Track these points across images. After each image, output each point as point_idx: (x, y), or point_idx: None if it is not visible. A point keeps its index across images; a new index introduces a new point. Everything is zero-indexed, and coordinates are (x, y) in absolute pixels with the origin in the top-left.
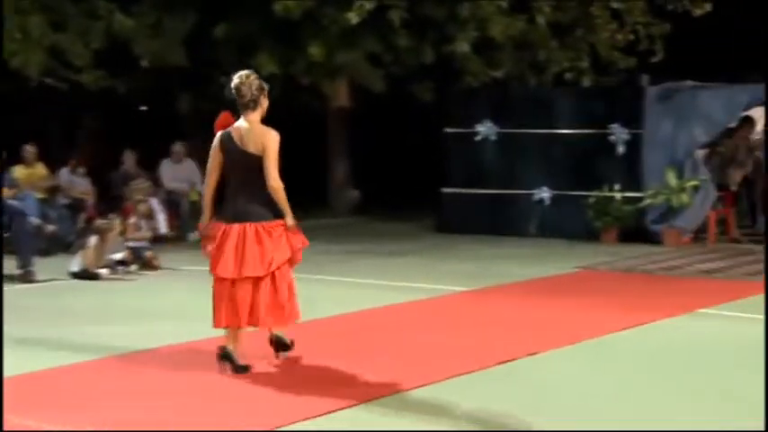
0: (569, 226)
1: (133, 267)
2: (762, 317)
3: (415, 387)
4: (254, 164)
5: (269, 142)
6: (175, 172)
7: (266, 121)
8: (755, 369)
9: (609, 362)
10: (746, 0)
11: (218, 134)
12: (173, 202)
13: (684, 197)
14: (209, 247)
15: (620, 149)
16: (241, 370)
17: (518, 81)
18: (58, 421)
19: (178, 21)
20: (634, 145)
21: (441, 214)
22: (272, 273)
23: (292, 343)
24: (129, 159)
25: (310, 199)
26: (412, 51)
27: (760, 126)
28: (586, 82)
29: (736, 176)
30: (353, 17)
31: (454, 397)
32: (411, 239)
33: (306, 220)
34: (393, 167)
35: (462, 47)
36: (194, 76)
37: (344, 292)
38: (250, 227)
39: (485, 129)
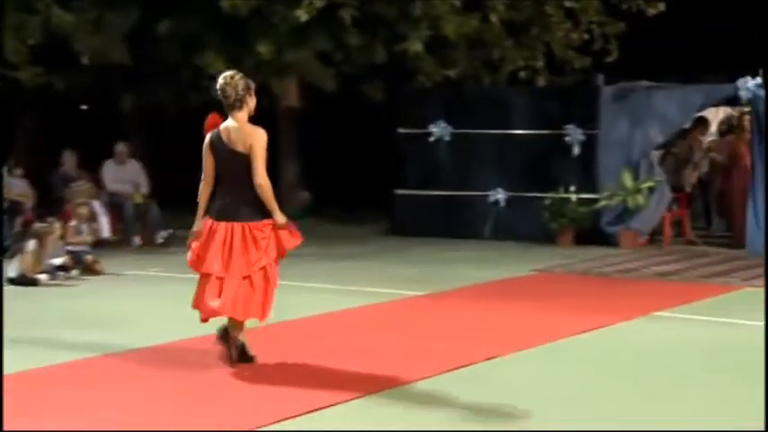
0: (525, 228)
1: (74, 272)
2: (717, 319)
3: (378, 390)
4: (243, 163)
5: (256, 141)
6: (118, 173)
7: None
8: (712, 371)
9: (567, 366)
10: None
11: (209, 135)
12: (116, 205)
13: (640, 198)
14: (194, 243)
15: (576, 150)
16: (245, 359)
17: (472, 80)
18: None
19: (120, 16)
20: (589, 146)
21: (394, 216)
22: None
23: (254, 357)
24: (69, 160)
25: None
26: (363, 50)
27: (714, 127)
28: (541, 82)
29: (690, 177)
30: (303, 14)
31: (416, 401)
32: (364, 242)
33: None
34: (345, 168)
35: (415, 46)
36: (137, 73)
37: (297, 297)
38: (237, 226)
39: (438, 129)
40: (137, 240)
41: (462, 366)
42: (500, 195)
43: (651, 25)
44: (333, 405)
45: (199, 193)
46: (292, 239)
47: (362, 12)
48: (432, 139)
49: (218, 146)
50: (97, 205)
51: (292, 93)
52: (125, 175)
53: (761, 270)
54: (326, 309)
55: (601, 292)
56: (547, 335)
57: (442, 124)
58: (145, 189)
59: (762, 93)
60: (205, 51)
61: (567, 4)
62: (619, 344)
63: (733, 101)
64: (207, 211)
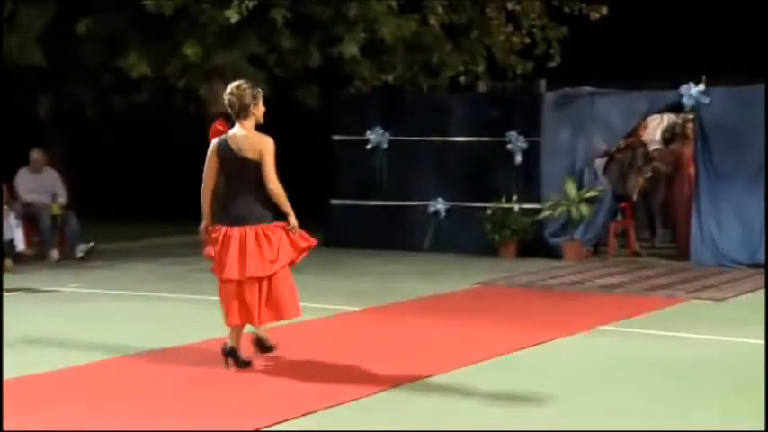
0: (466, 240)
1: None
2: (663, 333)
3: (320, 409)
4: (252, 169)
5: (265, 148)
6: (34, 183)
7: (139, 127)
8: (658, 387)
9: (510, 383)
10: (644, 4)
11: (214, 141)
12: (31, 217)
13: (584, 209)
14: (212, 251)
15: (518, 159)
16: (243, 365)
17: (410, 86)
18: None
19: (34, 15)
20: (532, 154)
21: (329, 228)
22: (274, 272)
23: (274, 345)
24: None
25: (183, 212)
26: (296, 53)
27: (658, 135)
28: (482, 87)
29: (635, 184)
30: (233, 15)
31: (357, 419)
32: None
33: (184, 235)
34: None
35: (350, 49)
36: (54, 76)
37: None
38: (251, 230)
39: (375, 136)
40: (54, 254)
41: (396, 386)
42: (440, 205)
43: (594, 30)
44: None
45: (201, 195)
46: (306, 240)
47: (295, 13)
48: (368, 146)
49: (226, 154)
50: (11, 217)
51: (221, 98)
52: (41, 184)
53: (706, 282)
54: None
55: (544, 305)
56: (487, 351)
57: (380, 131)
58: (63, 199)
59: (705, 100)
60: (128, 53)
61: (508, 6)
62: (561, 360)
63: (677, 108)
64: (219, 218)
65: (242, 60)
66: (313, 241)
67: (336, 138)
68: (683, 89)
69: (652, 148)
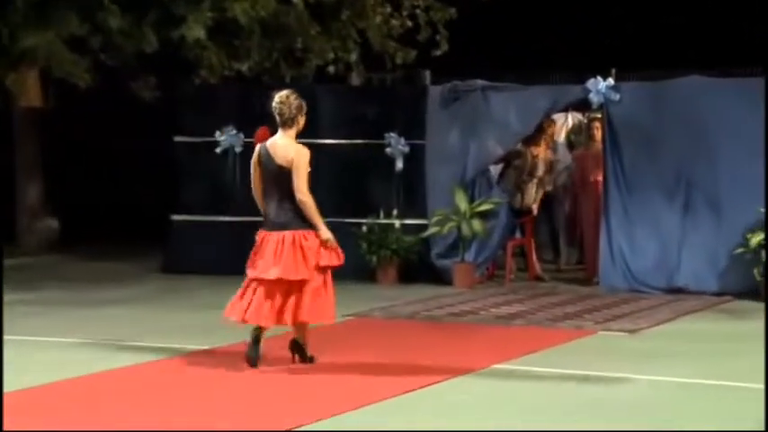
0: None
1: None
2: (569, 371)
3: None
4: (286, 177)
5: (297, 158)
6: None
7: None
8: None
9: None
10: None
11: (257, 147)
12: None
13: (477, 225)
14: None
15: (399, 165)
16: (254, 359)
17: (269, 76)
18: None
19: None
20: (415, 159)
21: (170, 249)
22: (305, 278)
23: (314, 357)
24: None
25: None
26: (127, 35)
27: (562, 136)
28: (355, 79)
29: (535, 195)
30: None
31: None
32: (131, 284)
33: None
34: (106, 189)
35: (195, 31)
36: None
37: (43, 356)
38: (288, 234)
39: (227, 138)
40: None
41: None
42: None
43: (487, 13)
44: None
45: (257, 203)
46: (332, 257)
47: None
48: (218, 149)
49: (265, 160)
50: None
51: (33, 89)
52: None
53: (617, 310)
54: (79, 371)
55: (429, 341)
56: (360, 397)
57: (232, 132)
58: None
59: (615, 96)
60: None
61: None
62: (450, 405)
63: (583, 105)
64: (262, 223)
65: (57, 43)
66: (340, 261)
67: (179, 139)
68: (590, 84)
69: (557, 153)
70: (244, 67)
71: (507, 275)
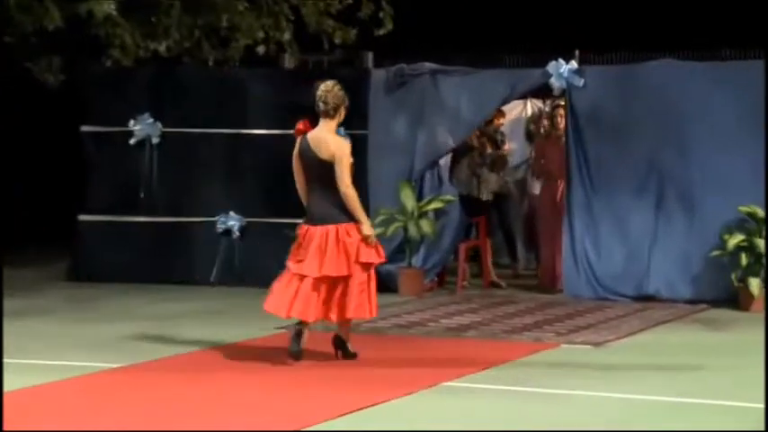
0: (268, 268)
1: None
2: (527, 389)
3: None
4: (327, 170)
5: (339, 150)
6: None
7: None
8: None
9: None
10: None
11: (298, 140)
12: None
13: (425, 225)
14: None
15: None
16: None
17: (190, 58)
18: None
19: None
20: (356, 152)
21: (78, 254)
22: (351, 273)
23: (357, 353)
24: None
25: None
26: (25, 9)
27: (521, 127)
28: (289, 61)
29: (488, 189)
30: None
31: None
32: (32, 293)
33: None
34: (2, 186)
35: (104, 6)
36: None
37: None
38: (332, 229)
39: (142, 127)
40: None
41: None
42: (232, 222)
43: None
44: None
45: (300, 196)
46: (372, 254)
47: None
48: (132, 141)
49: (306, 152)
50: None
51: None
52: None
53: (581, 320)
54: None
55: (373, 356)
56: (295, 420)
57: (148, 120)
58: None
59: (579, 81)
60: None
61: None
62: (395, 428)
63: (543, 91)
64: (304, 217)
65: None
66: (376, 260)
67: (86, 129)
68: (551, 67)
69: (512, 144)
70: (161, 48)
71: (459, 282)
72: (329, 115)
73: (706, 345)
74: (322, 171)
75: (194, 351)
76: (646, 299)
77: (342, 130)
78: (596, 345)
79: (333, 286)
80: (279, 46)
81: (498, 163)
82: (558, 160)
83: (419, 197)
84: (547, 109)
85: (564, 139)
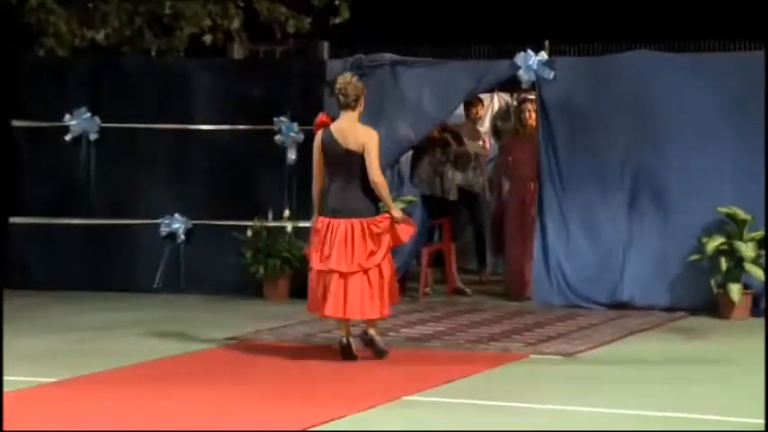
0: (216, 274)
1: None
2: (495, 403)
3: None
4: (356, 161)
5: (369, 140)
6: None
7: None
8: None
9: None
10: None
11: (319, 133)
12: None
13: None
14: (314, 242)
15: (291, 156)
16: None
17: (131, 48)
18: None
19: None
20: (311, 149)
21: (9, 259)
22: (378, 264)
23: (386, 351)
24: None
25: None
26: None
27: (486, 121)
28: (238, 52)
29: (453, 189)
30: None
31: None
32: None
33: None
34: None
35: None
36: None
37: None
38: (357, 223)
39: (78, 122)
40: None
41: None
42: (177, 224)
43: None
44: None
45: (312, 191)
46: (407, 230)
47: None
48: (68, 137)
49: (330, 145)
50: None
51: None
52: None
53: (551, 330)
54: None
55: (330, 369)
56: None
57: (85, 115)
58: None
59: (549, 74)
60: None
61: None
62: None
63: (511, 84)
64: (322, 210)
65: None
66: (414, 229)
67: (18, 124)
68: (520, 59)
69: (482, 140)
70: (99, 36)
71: (421, 289)
72: (350, 107)
73: (684, 355)
74: (348, 162)
75: (136, 364)
76: (620, 306)
77: (295, 125)
78: (567, 355)
79: (360, 281)
80: (227, 35)
81: (461, 160)
82: (527, 160)
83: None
84: (514, 103)
85: (533, 136)
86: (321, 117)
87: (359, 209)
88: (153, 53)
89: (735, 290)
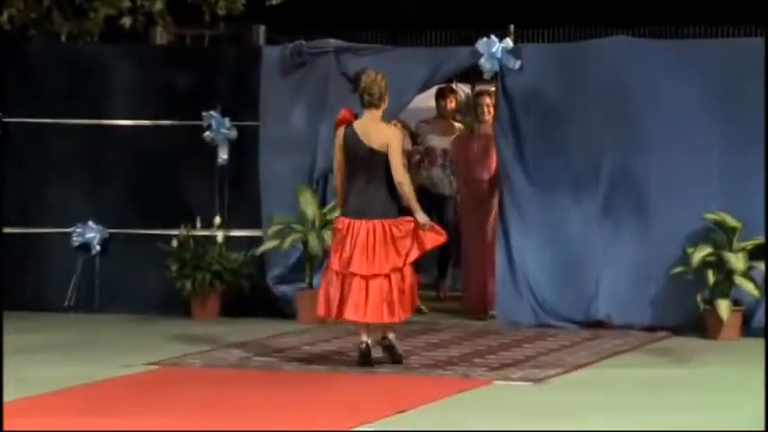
0: (136, 290)
1: None
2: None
3: None
4: (379, 160)
5: (393, 139)
6: None
7: None
8: None
9: None
10: None
11: (340, 130)
12: None
13: (329, 237)
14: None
15: (223, 155)
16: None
17: (38, 32)
18: None
19: None
20: (245, 147)
21: None
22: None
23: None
24: None
25: None
26: None
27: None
28: (161, 36)
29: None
30: None
31: None
32: None
33: None
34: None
35: None
36: None
37: None
38: (378, 224)
39: None
40: None
41: None
42: (92, 234)
43: None
44: None
45: (336, 187)
46: (435, 237)
47: None
48: None
49: (354, 142)
50: None
51: None
52: None
53: (518, 353)
54: None
55: (265, 397)
56: None
57: None
58: None
59: (515, 63)
60: None
61: None
62: None
63: (471, 74)
64: (343, 210)
65: None
66: (443, 238)
67: None
68: (482, 45)
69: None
70: (2, 18)
71: None
72: (374, 105)
73: (666, 380)
74: (371, 161)
75: (43, 394)
76: (595, 325)
77: (226, 121)
78: (536, 381)
79: (381, 285)
80: (149, 17)
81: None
82: (482, 160)
83: (322, 203)
84: (473, 95)
85: (490, 134)
86: (344, 113)
87: (381, 210)
88: (63, 38)
89: (723, 306)
